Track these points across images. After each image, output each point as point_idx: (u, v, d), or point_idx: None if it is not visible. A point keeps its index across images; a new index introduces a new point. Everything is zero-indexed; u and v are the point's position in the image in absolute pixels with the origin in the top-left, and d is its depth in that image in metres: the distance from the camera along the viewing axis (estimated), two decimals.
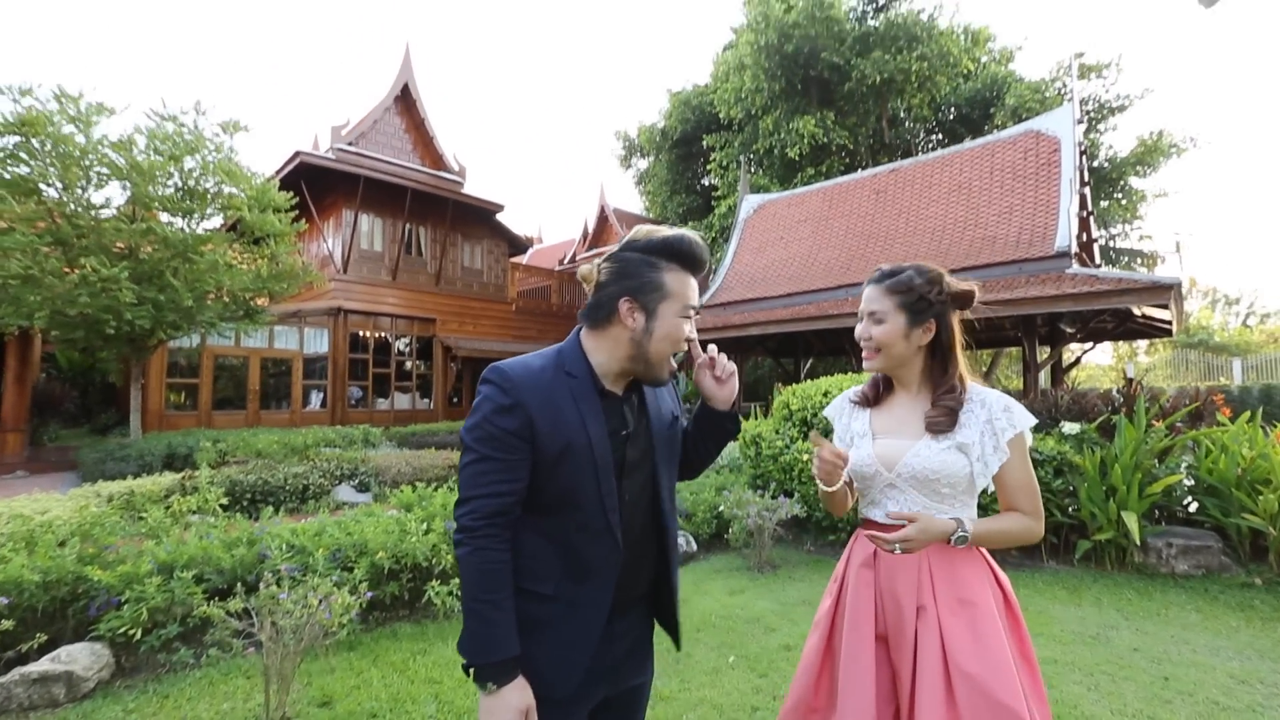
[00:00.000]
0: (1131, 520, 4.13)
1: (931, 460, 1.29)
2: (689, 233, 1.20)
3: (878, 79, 16.66)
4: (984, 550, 1.33)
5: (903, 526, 1.25)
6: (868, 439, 1.42)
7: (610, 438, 1.18)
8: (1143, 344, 27.44)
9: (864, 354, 1.42)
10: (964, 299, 1.38)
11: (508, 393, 1.12)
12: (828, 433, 3.49)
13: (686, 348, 1.23)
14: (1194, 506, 4.77)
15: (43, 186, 8.10)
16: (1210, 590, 3.94)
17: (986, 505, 1.51)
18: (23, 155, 7.86)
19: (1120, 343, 26.41)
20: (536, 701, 1.09)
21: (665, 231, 1.20)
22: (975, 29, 18.67)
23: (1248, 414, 5.07)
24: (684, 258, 1.19)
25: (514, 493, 1.12)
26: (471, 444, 1.13)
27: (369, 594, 2.70)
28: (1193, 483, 4.74)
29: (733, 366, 1.26)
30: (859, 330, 1.42)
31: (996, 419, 1.30)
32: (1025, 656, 1.25)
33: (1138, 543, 4.19)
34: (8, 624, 2.53)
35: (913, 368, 1.39)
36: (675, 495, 1.35)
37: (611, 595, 1.17)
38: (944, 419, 1.32)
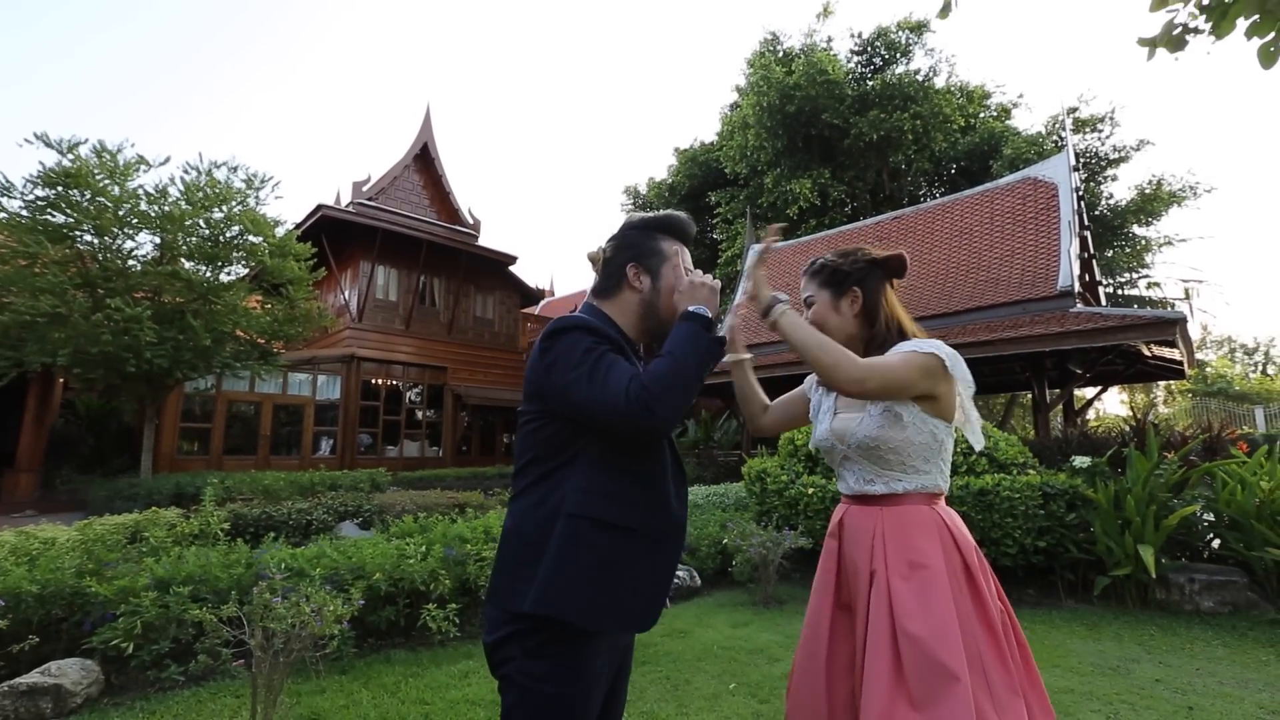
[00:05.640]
0: (1147, 554, 4.00)
1: (871, 429, 1.32)
2: (676, 211, 1.37)
3: (875, 136, 17.26)
4: (945, 515, 1.31)
5: (866, 501, 1.33)
6: (829, 415, 1.46)
7: None
8: (1161, 395, 27.01)
9: None
10: (892, 265, 1.44)
11: (594, 331, 1.15)
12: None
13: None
14: (1216, 542, 4.61)
15: (76, 233, 8.50)
16: (1238, 627, 3.76)
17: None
18: (61, 205, 8.31)
19: (1138, 394, 26.01)
20: (612, 634, 1.13)
21: (657, 212, 1.37)
22: (971, 88, 19.43)
23: (1265, 448, 4.95)
24: (675, 230, 1.35)
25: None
26: (580, 358, 1.09)
27: (361, 601, 2.66)
28: (1213, 518, 4.61)
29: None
30: None
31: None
32: (985, 622, 1.20)
33: (1153, 575, 4.03)
34: (2, 623, 2.52)
35: (858, 342, 1.43)
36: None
37: (685, 529, 1.22)
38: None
